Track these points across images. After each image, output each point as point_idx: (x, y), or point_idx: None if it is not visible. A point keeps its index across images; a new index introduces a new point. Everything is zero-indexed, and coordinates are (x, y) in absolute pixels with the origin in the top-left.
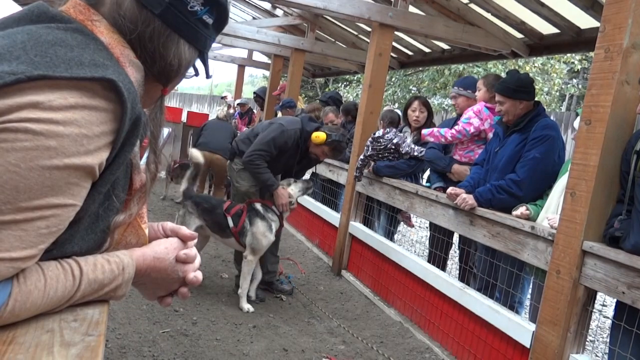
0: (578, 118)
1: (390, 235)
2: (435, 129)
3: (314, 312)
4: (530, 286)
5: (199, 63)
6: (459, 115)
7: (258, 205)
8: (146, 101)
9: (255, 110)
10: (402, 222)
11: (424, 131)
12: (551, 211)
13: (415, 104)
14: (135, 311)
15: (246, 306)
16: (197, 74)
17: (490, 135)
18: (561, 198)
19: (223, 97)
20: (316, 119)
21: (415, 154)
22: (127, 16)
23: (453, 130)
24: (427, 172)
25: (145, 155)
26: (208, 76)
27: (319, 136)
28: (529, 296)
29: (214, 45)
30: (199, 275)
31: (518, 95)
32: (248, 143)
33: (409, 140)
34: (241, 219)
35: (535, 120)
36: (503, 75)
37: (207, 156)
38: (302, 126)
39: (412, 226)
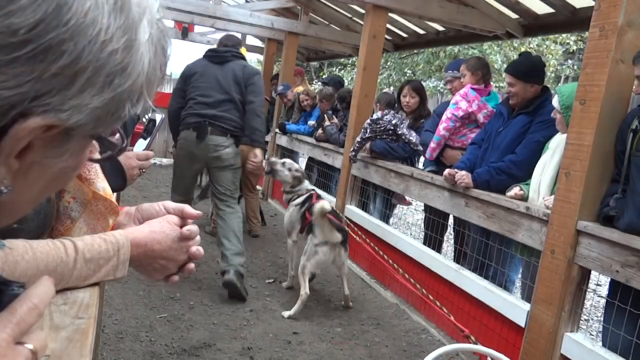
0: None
1: (386, 218)
2: (432, 143)
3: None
4: (522, 264)
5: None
6: None
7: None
8: None
9: None
10: (397, 205)
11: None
12: (533, 190)
13: (405, 89)
14: (132, 297)
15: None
16: None
17: (480, 116)
18: (542, 176)
19: None
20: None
21: (412, 139)
22: None
23: (443, 123)
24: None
25: (141, 142)
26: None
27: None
28: (519, 275)
29: (207, 29)
30: (200, 249)
31: (530, 78)
32: None
33: (406, 123)
34: None
35: (544, 104)
36: (490, 58)
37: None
38: None
39: (410, 204)
